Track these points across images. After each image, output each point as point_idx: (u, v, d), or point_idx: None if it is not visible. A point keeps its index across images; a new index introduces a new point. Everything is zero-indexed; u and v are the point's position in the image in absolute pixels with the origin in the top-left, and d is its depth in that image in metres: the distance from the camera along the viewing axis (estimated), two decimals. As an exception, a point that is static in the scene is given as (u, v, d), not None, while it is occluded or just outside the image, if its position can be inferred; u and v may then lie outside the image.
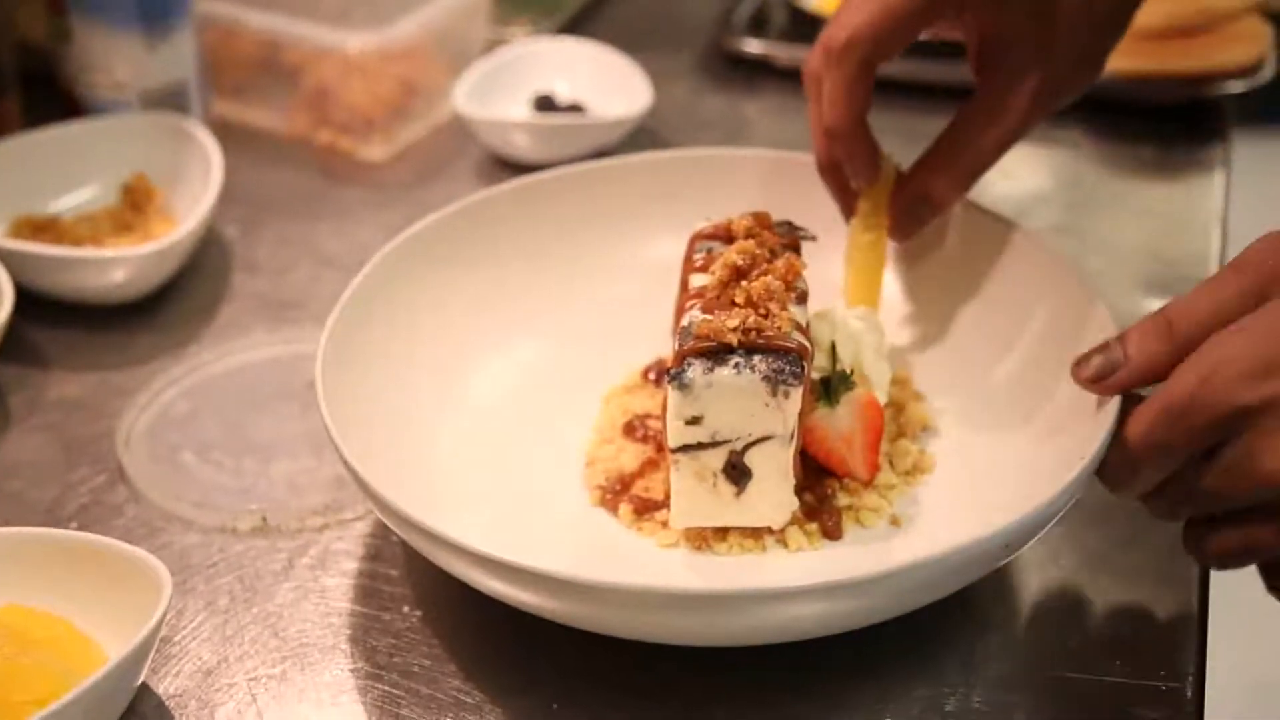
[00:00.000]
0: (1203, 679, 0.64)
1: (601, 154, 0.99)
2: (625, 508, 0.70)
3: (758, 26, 1.15)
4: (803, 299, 0.69)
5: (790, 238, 0.72)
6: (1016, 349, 0.74)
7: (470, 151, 1.03)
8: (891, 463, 0.71)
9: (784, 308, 0.67)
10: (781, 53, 1.12)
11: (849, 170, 0.74)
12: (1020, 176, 1.00)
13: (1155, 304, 0.87)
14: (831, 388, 0.69)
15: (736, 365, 0.64)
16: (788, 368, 0.64)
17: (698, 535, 0.68)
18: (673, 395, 0.65)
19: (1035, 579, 0.69)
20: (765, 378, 0.64)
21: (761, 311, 0.66)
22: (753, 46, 1.12)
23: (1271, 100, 1.07)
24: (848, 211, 0.76)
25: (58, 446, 0.79)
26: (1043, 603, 0.68)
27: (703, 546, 0.68)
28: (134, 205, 0.94)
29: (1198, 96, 1.03)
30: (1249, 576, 0.64)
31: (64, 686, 0.59)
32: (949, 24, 0.73)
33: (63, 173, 0.94)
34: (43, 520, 0.73)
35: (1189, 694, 0.63)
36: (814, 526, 0.68)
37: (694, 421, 0.65)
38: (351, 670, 0.65)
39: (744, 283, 0.67)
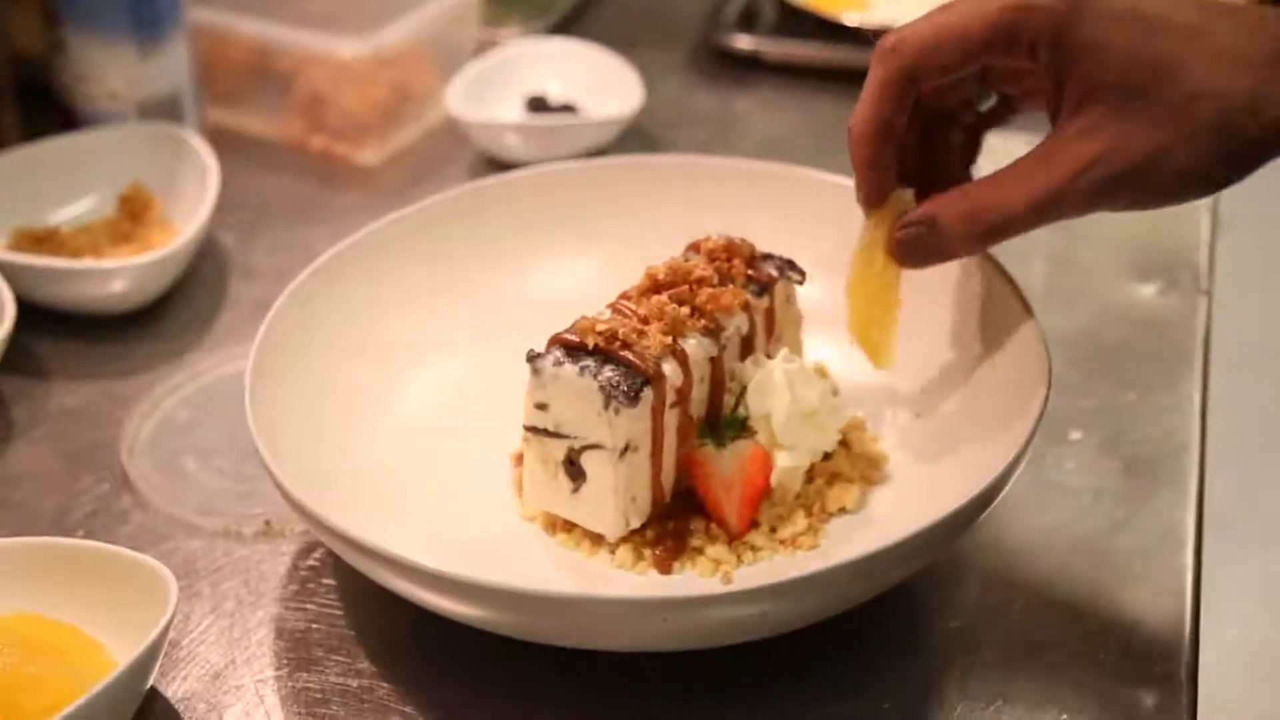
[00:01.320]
0: (1196, 660, 0.65)
1: (594, 153, 1.00)
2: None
3: (747, 22, 1.16)
4: (712, 333, 0.68)
5: (762, 274, 0.71)
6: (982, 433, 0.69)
7: (464, 154, 1.04)
8: (773, 527, 0.69)
9: (673, 332, 0.67)
10: (771, 48, 1.13)
11: (856, 184, 0.68)
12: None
13: (1147, 290, 0.89)
14: (719, 428, 0.69)
15: (584, 367, 0.65)
16: (625, 385, 0.65)
17: (550, 521, 0.70)
18: (530, 375, 0.66)
19: (1028, 563, 0.70)
20: (601, 387, 0.65)
21: (640, 328, 0.66)
22: (742, 42, 1.13)
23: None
24: None
25: (61, 456, 0.79)
26: (1035, 586, 0.69)
27: (554, 531, 0.70)
28: (132, 215, 0.94)
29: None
30: (1243, 558, 0.65)
31: (74, 692, 0.60)
32: (1019, 64, 0.64)
33: (61, 184, 0.95)
34: (49, 529, 0.74)
35: (1183, 675, 0.64)
36: (650, 553, 0.68)
37: (541, 407, 0.67)
38: (358, 670, 0.66)
39: (655, 296, 0.68)
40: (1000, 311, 0.72)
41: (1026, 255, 0.91)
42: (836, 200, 0.78)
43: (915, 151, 0.69)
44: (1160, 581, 0.69)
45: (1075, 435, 0.77)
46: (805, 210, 0.79)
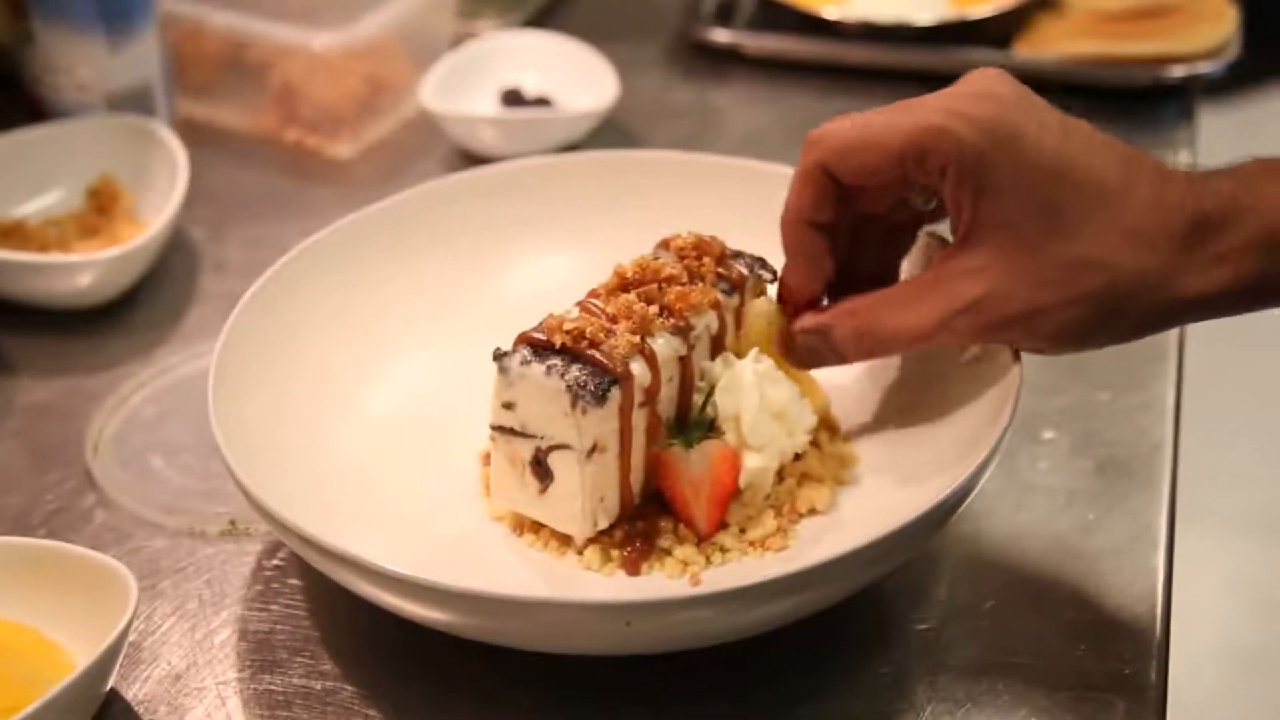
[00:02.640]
0: (1166, 661, 0.65)
1: (569, 148, 0.99)
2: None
3: (725, 15, 1.15)
4: (681, 332, 0.67)
5: (733, 272, 0.70)
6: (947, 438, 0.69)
7: (438, 147, 1.03)
8: (743, 528, 0.68)
9: (641, 331, 0.66)
10: (749, 41, 1.12)
11: (783, 269, 0.69)
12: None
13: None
14: (687, 428, 0.68)
15: (551, 367, 0.64)
16: (592, 385, 0.64)
17: (518, 521, 0.69)
18: (496, 374, 0.66)
19: (1000, 563, 0.70)
20: (569, 387, 0.64)
21: (608, 327, 0.65)
22: (721, 35, 1.12)
23: (1236, 79, 1.07)
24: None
25: (26, 453, 0.78)
26: (1007, 587, 0.68)
27: (521, 532, 0.69)
28: (100, 208, 0.93)
29: (1164, 79, 1.04)
30: (1215, 559, 0.64)
31: (31, 694, 0.59)
32: (930, 182, 0.64)
33: (28, 176, 0.94)
34: (11, 528, 0.73)
35: (1153, 677, 0.64)
36: (618, 554, 0.67)
37: (508, 406, 0.66)
38: (321, 672, 0.65)
39: (624, 295, 0.67)
40: None
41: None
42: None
43: (843, 246, 0.69)
44: (1132, 582, 0.68)
45: (1048, 435, 0.76)
46: (779, 207, 0.78)
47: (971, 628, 0.66)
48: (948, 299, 0.63)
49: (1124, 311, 0.61)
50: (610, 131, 1.02)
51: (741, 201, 0.78)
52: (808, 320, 0.68)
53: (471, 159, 1.00)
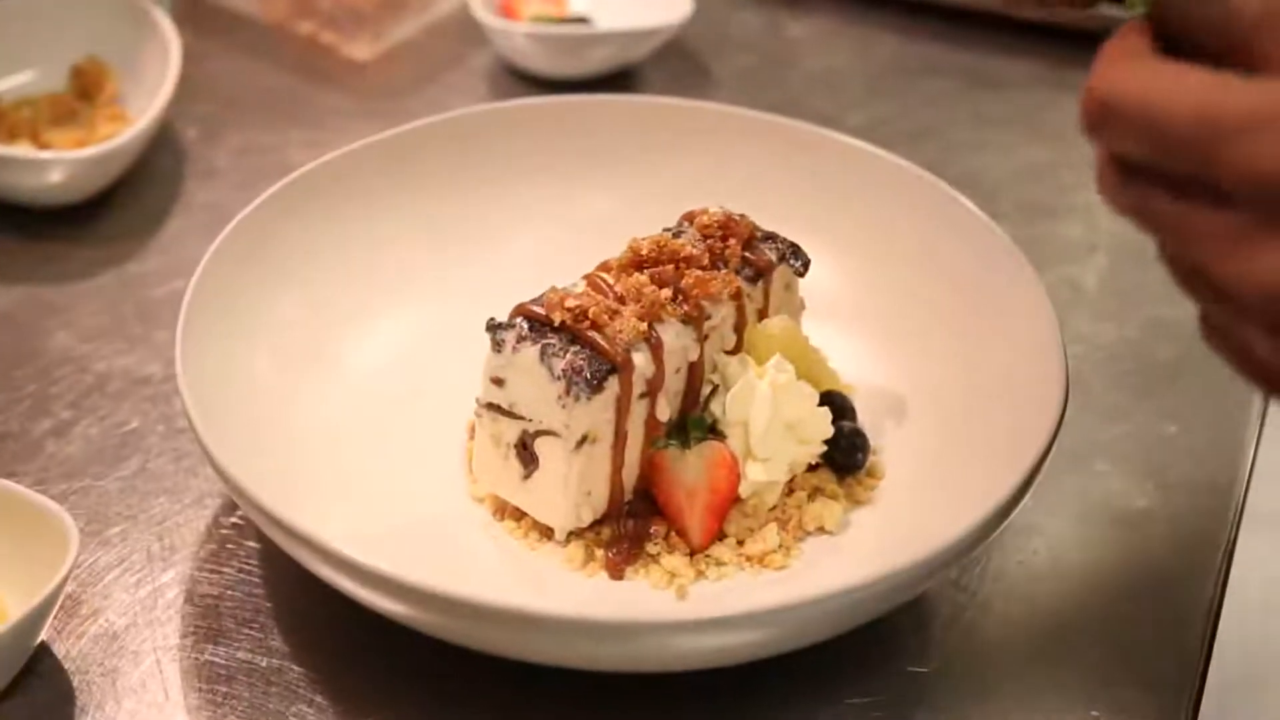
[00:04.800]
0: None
1: (619, 72, 1.02)
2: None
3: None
4: (692, 321, 0.71)
5: (761, 258, 0.74)
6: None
7: (474, 58, 1.05)
8: (741, 540, 0.73)
9: (649, 318, 0.70)
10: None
11: None
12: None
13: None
14: (685, 429, 0.72)
15: (546, 346, 0.69)
16: (588, 372, 0.68)
17: (499, 505, 0.74)
18: (489, 346, 0.70)
19: (1014, 612, 0.73)
20: (563, 371, 0.68)
21: (614, 308, 0.70)
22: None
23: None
24: None
25: (-23, 367, 0.83)
26: (1016, 643, 0.72)
27: (501, 517, 0.74)
28: (82, 92, 0.98)
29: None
30: (1261, 647, 0.67)
31: (-48, 642, 0.64)
32: None
33: (3, 50, 0.98)
34: (-48, 451, 0.78)
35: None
36: (602, 554, 0.72)
37: (498, 382, 0.71)
38: (269, 647, 0.70)
39: (636, 274, 0.71)
40: (1027, 316, 0.75)
41: (1088, 246, 0.93)
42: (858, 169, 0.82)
43: None
44: (1163, 666, 0.70)
45: (1101, 466, 0.79)
46: (833, 177, 0.83)
47: (970, 682, 0.70)
48: None
49: None
50: (665, 58, 1.05)
51: (788, 166, 0.83)
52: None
53: (509, 75, 1.02)
